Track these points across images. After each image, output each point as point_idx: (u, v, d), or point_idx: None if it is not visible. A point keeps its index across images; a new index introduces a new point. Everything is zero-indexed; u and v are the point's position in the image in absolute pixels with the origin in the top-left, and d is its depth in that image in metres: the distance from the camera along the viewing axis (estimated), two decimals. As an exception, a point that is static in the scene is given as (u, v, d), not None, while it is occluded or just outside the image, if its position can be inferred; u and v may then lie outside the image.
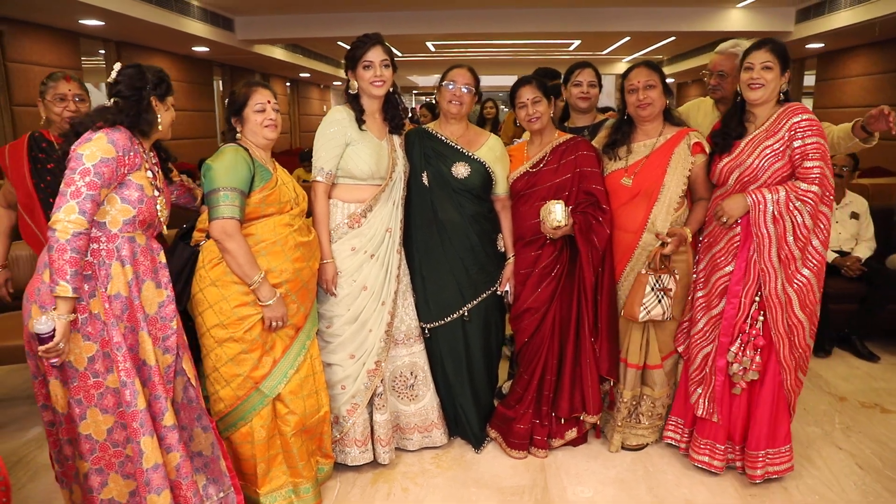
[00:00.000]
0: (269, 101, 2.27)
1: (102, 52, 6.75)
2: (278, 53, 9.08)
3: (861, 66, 7.40)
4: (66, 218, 1.78)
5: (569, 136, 2.75)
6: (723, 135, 2.55)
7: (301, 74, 11.98)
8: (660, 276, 2.58)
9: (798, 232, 2.37)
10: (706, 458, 2.61)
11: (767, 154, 2.40)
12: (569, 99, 3.06)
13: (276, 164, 2.40)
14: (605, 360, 2.67)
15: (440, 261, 2.69)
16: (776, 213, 2.36)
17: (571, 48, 10.85)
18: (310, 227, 2.44)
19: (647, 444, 2.84)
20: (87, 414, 1.93)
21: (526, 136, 2.90)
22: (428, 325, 2.74)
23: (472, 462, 2.75)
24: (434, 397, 2.77)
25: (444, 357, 2.76)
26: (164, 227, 2.11)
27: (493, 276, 2.77)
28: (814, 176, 2.33)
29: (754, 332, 2.47)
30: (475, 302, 2.74)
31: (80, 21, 5.54)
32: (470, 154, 2.69)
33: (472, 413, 2.81)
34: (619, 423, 2.79)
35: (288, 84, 12.64)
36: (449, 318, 2.72)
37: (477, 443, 2.83)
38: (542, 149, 2.72)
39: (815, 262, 2.41)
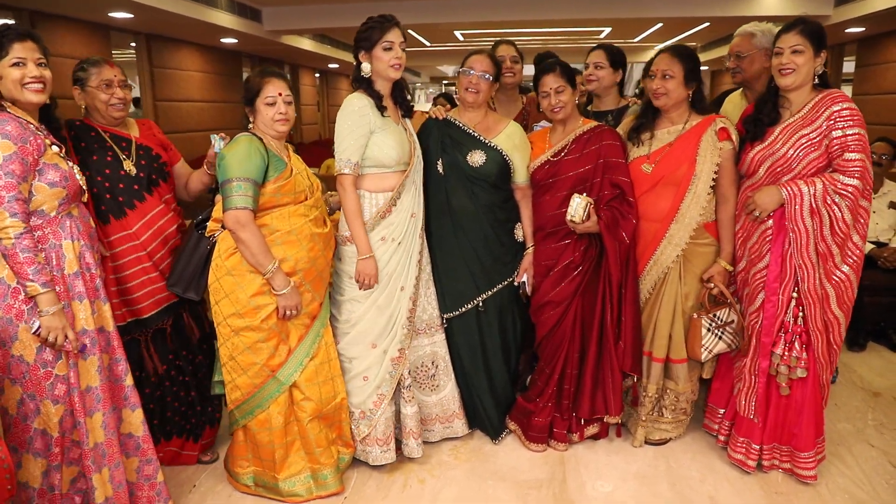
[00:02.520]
0: (280, 94, 2.24)
1: (133, 44, 6.85)
2: (306, 44, 9.08)
3: (905, 50, 7.11)
4: (1, 226, 1.80)
5: (593, 123, 2.67)
6: (755, 121, 2.43)
7: (330, 65, 11.98)
8: (714, 315, 2.53)
9: (836, 227, 2.27)
10: (741, 457, 2.54)
11: (803, 143, 2.29)
12: (581, 82, 2.97)
13: (291, 152, 2.38)
14: (630, 357, 2.60)
15: (453, 250, 2.66)
16: (813, 206, 2.26)
17: (602, 35, 10.63)
18: (326, 219, 2.42)
19: (671, 439, 2.78)
20: (40, 408, 1.93)
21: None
22: (444, 316, 2.71)
23: (491, 454, 2.72)
24: (455, 388, 2.75)
25: (461, 348, 2.73)
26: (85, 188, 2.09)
27: (509, 266, 2.73)
28: (854, 169, 2.22)
29: (798, 328, 2.39)
30: (490, 293, 2.70)
31: (109, 14, 5.60)
32: (486, 141, 2.64)
33: (489, 404, 2.77)
34: (644, 418, 2.73)
35: (317, 75, 12.67)
36: (463, 309, 2.69)
37: (495, 434, 2.80)
38: (565, 137, 2.65)
39: (855, 258, 2.33)
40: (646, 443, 2.76)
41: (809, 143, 2.29)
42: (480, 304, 2.69)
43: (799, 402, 2.44)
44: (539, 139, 2.75)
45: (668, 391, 2.72)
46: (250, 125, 2.30)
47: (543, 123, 2.90)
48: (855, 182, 2.22)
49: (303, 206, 2.29)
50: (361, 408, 2.53)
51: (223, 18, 6.52)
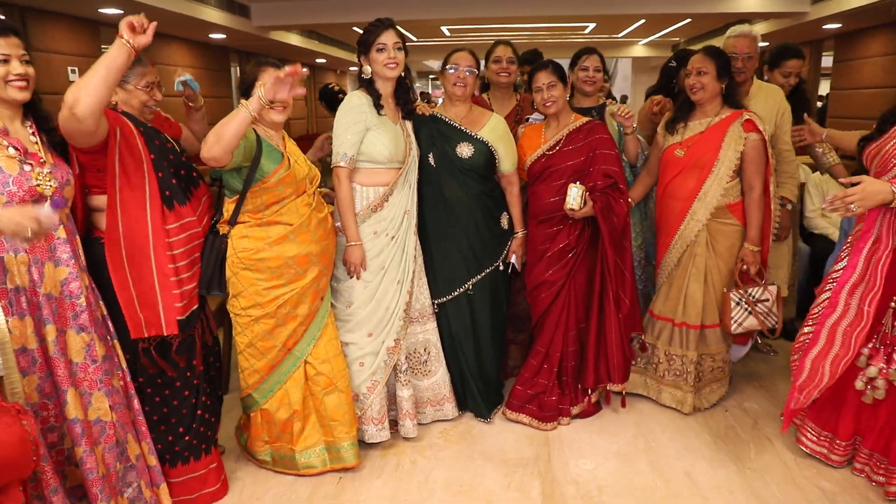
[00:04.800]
0: None
1: (122, 39, 6.91)
2: (294, 40, 9.15)
3: (880, 46, 7.29)
4: None
5: (585, 119, 2.85)
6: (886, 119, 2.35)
7: (317, 60, 12.04)
8: (746, 291, 2.78)
9: None
10: (825, 451, 2.54)
11: None
12: (575, 83, 3.12)
13: (287, 142, 2.47)
14: (638, 318, 2.89)
15: (447, 237, 2.80)
16: None
17: (587, 31, 10.79)
18: (322, 203, 2.53)
19: (724, 398, 3.07)
20: None
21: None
22: (437, 301, 2.85)
23: (479, 436, 2.85)
24: (445, 373, 2.88)
25: (453, 330, 2.87)
26: (64, 193, 1.96)
27: (495, 252, 2.88)
28: None
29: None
30: (479, 277, 2.84)
31: (99, 10, 5.65)
32: (473, 134, 2.78)
33: (479, 383, 2.92)
34: (692, 385, 2.93)
35: (304, 69, 12.73)
36: (455, 293, 2.84)
37: (484, 414, 2.94)
38: (559, 131, 2.83)
39: None
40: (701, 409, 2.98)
41: None
42: (470, 287, 2.84)
43: None
44: (534, 133, 2.91)
45: (704, 356, 2.94)
46: None
47: (535, 117, 3.04)
48: None
49: (306, 195, 2.41)
50: (355, 390, 2.66)
51: (212, 14, 6.58)
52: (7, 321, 1.76)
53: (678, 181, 2.84)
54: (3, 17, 1.97)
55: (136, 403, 2.17)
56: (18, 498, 1.42)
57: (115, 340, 2.13)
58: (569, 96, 3.04)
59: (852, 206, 2.08)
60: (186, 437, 2.31)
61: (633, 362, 3.07)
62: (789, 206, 3.26)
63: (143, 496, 2.14)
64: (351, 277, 2.60)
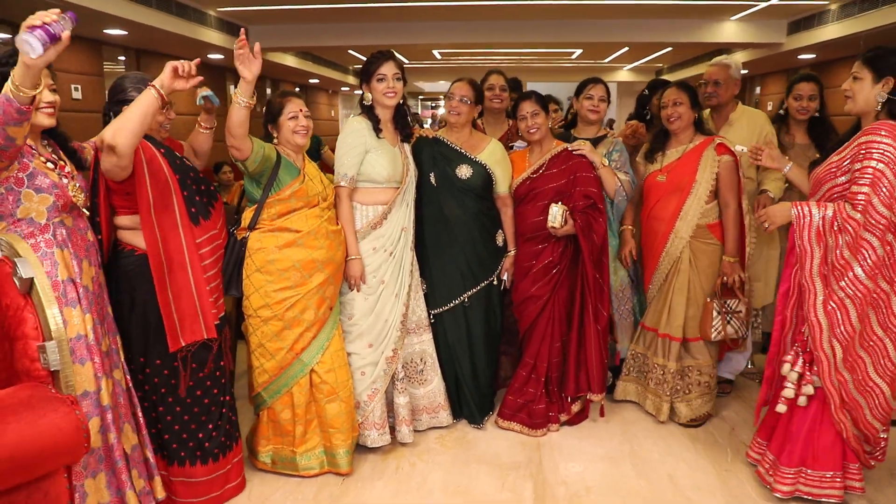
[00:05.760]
0: (300, 110, 2.57)
1: (122, 58, 7.06)
2: (289, 60, 9.35)
3: (853, 76, 7.63)
4: None
5: (565, 144, 3.05)
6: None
7: (310, 80, 12.27)
8: (725, 301, 3.00)
9: (836, 255, 2.27)
10: (759, 458, 2.65)
11: (832, 168, 2.36)
12: (580, 111, 3.26)
13: (307, 161, 2.68)
14: (611, 326, 3.14)
15: (445, 252, 2.98)
16: (821, 229, 2.29)
17: (574, 56, 11.10)
18: (335, 218, 2.72)
19: (710, 415, 3.19)
20: None
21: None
22: (434, 311, 3.02)
23: (473, 442, 3.00)
24: (441, 382, 3.05)
25: (450, 339, 3.05)
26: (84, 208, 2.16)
27: (490, 268, 3.07)
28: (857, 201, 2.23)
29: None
30: (475, 290, 3.03)
31: (104, 31, 5.83)
32: (472, 157, 2.98)
33: (473, 390, 3.09)
34: (668, 394, 3.10)
35: (297, 89, 12.94)
36: (452, 304, 3.02)
37: (477, 420, 3.11)
38: (542, 156, 3.05)
39: (855, 291, 2.29)
40: (688, 424, 3.11)
41: (835, 168, 2.34)
42: (466, 299, 3.03)
43: (795, 415, 2.45)
44: (519, 159, 3.13)
45: (690, 368, 3.11)
46: (274, 140, 2.61)
47: (519, 144, 3.26)
48: (857, 216, 2.23)
49: (317, 208, 2.60)
50: (357, 398, 2.81)
51: (212, 35, 6.77)
52: (61, 312, 1.88)
53: (661, 204, 3.08)
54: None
55: (135, 399, 2.29)
56: (63, 483, 1.57)
57: (118, 336, 2.26)
58: (571, 125, 3.25)
59: (765, 224, 2.49)
60: (214, 434, 2.46)
61: (626, 372, 3.27)
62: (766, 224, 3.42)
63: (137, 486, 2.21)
64: (352, 290, 2.77)
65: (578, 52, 10.54)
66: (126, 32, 5.89)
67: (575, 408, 3.11)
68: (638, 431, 3.08)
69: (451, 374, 3.08)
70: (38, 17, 1.65)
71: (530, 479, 2.71)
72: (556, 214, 2.87)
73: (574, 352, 3.03)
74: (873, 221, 2.22)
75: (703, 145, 3.04)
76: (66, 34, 1.67)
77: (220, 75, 9.18)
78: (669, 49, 9.51)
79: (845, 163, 2.31)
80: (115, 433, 2.07)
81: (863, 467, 2.46)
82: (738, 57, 8.38)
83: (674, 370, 3.09)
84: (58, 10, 1.68)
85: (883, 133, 2.20)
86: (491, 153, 3.01)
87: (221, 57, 7.97)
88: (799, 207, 2.34)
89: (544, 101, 3.02)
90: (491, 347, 3.15)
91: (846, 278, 2.29)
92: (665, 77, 12.21)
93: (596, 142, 3.25)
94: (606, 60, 11.83)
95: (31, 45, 1.61)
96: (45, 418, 1.50)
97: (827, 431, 2.41)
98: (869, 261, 2.26)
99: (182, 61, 2.02)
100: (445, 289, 3.01)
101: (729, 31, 7.35)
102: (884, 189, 2.19)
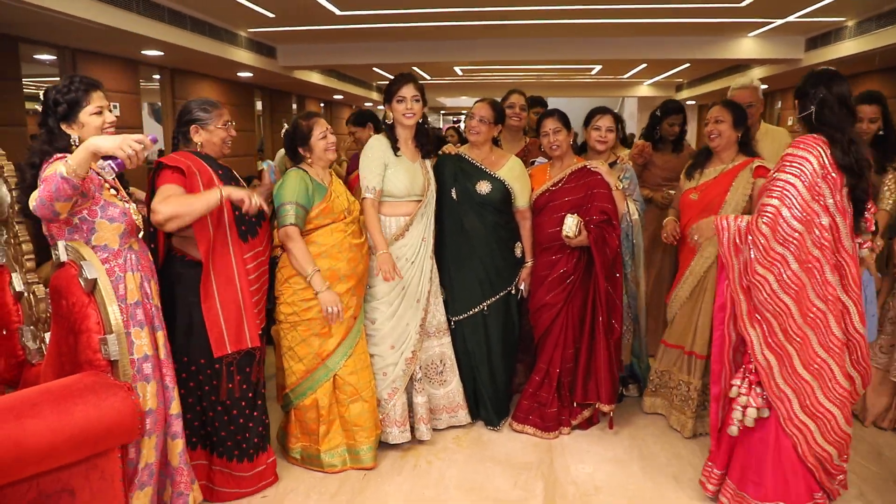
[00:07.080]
0: (328, 129, 2.79)
1: (157, 76, 7.40)
2: (315, 78, 9.65)
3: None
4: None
5: (585, 162, 3.21)
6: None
7: (335, 96, 12.58)
8: None
9: (752, 268, 2.30)
10: (704, 480, 2.65)
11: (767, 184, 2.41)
12: (588, 140, 3.36)
13: (334, 178, 2.88)
14: (620, 337, 3.19)
15: (465, 263, 3.16)
16: (737, 241, 2.35)
17: (593, 72, 11.25)
18: (362, 231, 2.91)
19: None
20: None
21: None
22: (455, 318, 3.19)
23: (489, 442, 3.16)
24: (459, 383, 3.21)
25: (469, 345, 3.21)
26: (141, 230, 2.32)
27: (508, 278, 3.23)
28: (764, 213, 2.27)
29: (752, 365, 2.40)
30: (493, 299, 3.19)
31: (142, 52, 6.14)
32: (492, 173, 3.16)
33: (490, 394, 3.25)
34: (693, 411, 3.14)
35: (322, 105, 13.27)
36: (471, 312, 3.18)
37: (493, 422, 3.26)
38: (562, 171, 3.21)
39: (775, 307, 2.29)
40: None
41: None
42: (485, 308, 3.19)
43: (746, 437, 2.42)
44: (541, 172, 3.31)
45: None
46: (306, 161, 2.81)
47: (540, 160, 3.45)
48: (764, 228, 2.26)
49: (342, 223, 2.80)
50: (378, 396, 2.99)
51: (242, 55, 7.06)
52: (130, 332, 2.09)
53: (692, 223, 3.00)
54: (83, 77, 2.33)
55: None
56: (117, 462, 1.76)
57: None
58: (581, 152, 3.40)
59: (695, 237, 2.57)
60: (248, 435, 2.63)
61: (653, 389, 3.36)
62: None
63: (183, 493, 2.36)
64: (387, 281, 2.85)
65: (598, 67, 10.70)
66: (162, 53, 6.19)
67: (585, 413, 3.24)
68: (646, 436, 3.21)
69: (470, 378, 3.24)
70: (125, 145, 1.91)
71: (541, 478, 2.85)
72: (571, 225, 3.01)
73: (584, 359, 3.16)
74: (785, 234, 2.23)
75: (741, 167, 3.01)
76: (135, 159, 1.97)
77: (248, 91, 9.50)
78: (687, 66, 9.62)
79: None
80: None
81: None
82: (756, 73, 8.47)
83: (698, 387, 3.13)
84: (141, 137, 1.97)
85: (801, 146, 2.26)
86: (510, 169, 3.18)
87: (251, 75, 8.29)
88: (719, 220, 2.41)
89: (566, 119, 3.18)
90: (508, 354, 3.31)
91: (764, 292, 2.29)
92: (685, 92, 12.30)
93: (610, 166, 3.37)
94: (626, 76, 11.96)
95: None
96: (106, 401, 1.71)
97: (787, 455, 2.35)
98: (785, 275, 2.25)
99: (245, 193, 2.28)
100: (465, 298, 3.18)
101: (747, 47, 7.45)
102: (794, 201, 2.20)
